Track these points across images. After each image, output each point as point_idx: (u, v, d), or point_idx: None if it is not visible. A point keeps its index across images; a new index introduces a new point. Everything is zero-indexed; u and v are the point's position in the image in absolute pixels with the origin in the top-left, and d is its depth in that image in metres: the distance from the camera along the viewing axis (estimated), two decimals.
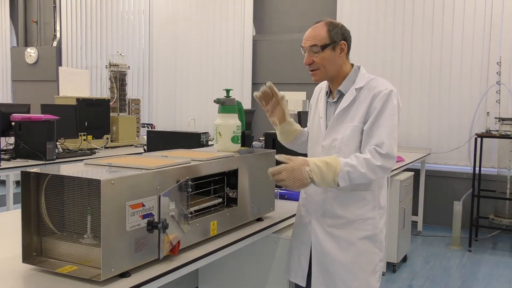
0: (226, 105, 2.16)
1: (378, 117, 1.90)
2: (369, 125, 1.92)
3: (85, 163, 1.71)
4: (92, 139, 4.92)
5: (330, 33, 1.97)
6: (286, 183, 1.81)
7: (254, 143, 3.68)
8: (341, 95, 2.03)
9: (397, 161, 4.51)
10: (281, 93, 2.17)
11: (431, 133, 5.94)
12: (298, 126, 2.26)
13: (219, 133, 2.15)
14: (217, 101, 2.17)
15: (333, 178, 1.83)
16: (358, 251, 1.97)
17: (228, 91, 2.21)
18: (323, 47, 1.96)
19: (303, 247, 2.10)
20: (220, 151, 2.13)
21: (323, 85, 2.16)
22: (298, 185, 1.82)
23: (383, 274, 4.16)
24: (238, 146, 2.19)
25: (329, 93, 2.11)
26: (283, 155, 1.88)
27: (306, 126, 2.29)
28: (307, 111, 2.49)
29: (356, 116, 1.95)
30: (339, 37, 1.98)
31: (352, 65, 2.07)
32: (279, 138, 2.29)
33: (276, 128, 2.24)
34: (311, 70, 2.02)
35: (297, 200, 2.67)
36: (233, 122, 2.16)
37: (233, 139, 2.15)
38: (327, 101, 2.09)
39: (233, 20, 7.17)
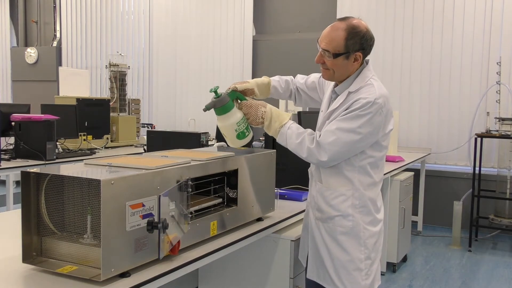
0: (217, 107, 2.02)
1: (339, 117, 1.89)
2: (330, 121, 1.95)
3: (85, 163, 1.71)
4: (92, 139, 4.92)
5: (347, 42, 1.87)
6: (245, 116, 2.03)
7: (254, 143, 3.68)
8: (337, 95, 2.01)
9: (397, 161, 4.54)
10: (231, 87, 2.11)
11: (431, 133, 5.93)
12: (268, 79, 2.23)
13: (224, 134, 2.08)
14: (206, 108, 2.03)
15: (277, 129, 1.98)
16: (340, 247, 1.98)
17: (215, 91, 2.02)
18: (336, 55, 1.89)
19: (305, 231, 2.18)
20: (237, 148, 2.11)
21: None
22: (250, 120, 2.02)
23: (382, 274, 4.18)
24: (247, 139, 2.09)
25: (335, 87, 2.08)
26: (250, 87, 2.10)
27: (307, 127, 2.28)
28: (307, 111, 2.49)
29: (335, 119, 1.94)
30: (355, 48, 1.89)
31: (362, 64, 1.99)
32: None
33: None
34: (323, 68, 1.98)
35: (297, 200, 2.69)
36: (231, 121, 2.02)
37: (238, 136, 2.06)
38: (331, 95, 2.07)
39: (233, 20, 7.16)
